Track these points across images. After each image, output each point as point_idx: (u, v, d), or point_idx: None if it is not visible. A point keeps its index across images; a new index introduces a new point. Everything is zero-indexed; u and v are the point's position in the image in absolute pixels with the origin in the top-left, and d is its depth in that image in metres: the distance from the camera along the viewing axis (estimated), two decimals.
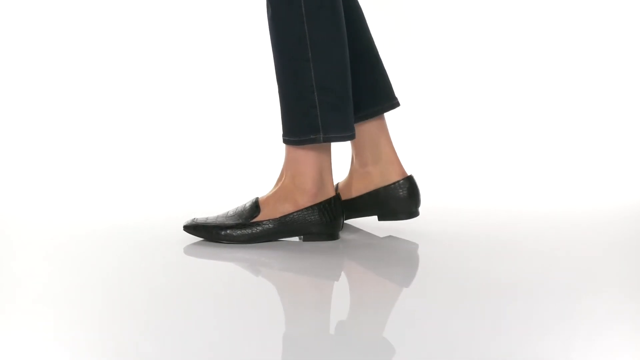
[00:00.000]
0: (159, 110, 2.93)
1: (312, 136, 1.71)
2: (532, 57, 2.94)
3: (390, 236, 1.81)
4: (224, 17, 3.00)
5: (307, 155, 1.73)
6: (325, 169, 1.74)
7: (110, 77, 2.97)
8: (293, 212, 1.73)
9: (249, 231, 1.73)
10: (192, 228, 1.76)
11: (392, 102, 1.86)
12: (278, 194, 1.75)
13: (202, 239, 1.76)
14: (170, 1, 3.04)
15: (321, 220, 1.73)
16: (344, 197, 1.86)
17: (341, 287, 1.53)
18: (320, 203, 1.73)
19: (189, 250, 1.72)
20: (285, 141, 1.74)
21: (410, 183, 1.82)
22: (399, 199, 1.82)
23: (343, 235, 1.79)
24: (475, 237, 1.83)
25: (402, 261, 1.70)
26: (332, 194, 1.74)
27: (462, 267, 1.60)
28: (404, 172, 1.83)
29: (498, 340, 1.19)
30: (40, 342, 1.21)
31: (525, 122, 2.83)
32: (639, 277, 1.57)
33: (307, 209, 1.73)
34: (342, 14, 1.73)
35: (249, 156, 2.69)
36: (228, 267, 1.65)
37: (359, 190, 1.85)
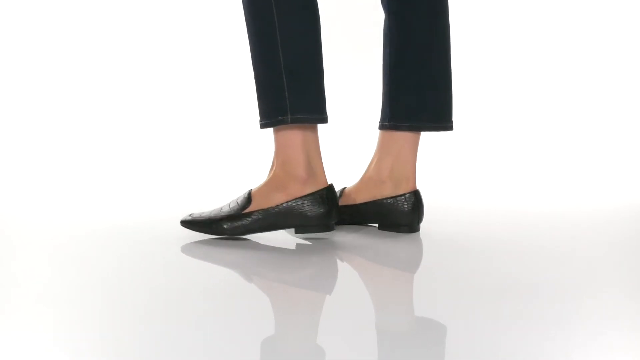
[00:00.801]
0: (159, 112, 2.93)
1: (280, 117, 1.71)
2: (533, 57, 2.95)
3: (389, 236, 1.81)
4: (218, 15, 3.00)
5: (293, 141, 1.72)
6: (313, 154, 1.73)
7: (110, 78, 2.97)
8: (285, 202, 1.73)
9: (241, 222, 1.74)
10: (188, 223, 1.77)
11: (447, 124, 1.85)
12: (270, 183, 1.75)
13: (200, 235, 1.77)
14: (165, 3, 3.03)
15: (315, 211, 1.72)
16: (349, 202, 1.86)
17: (340, 287, 1.53)
18: (314, 193, 1.72)
19: (188, 250, 1.71)
20: (260, 125, 1.75)
21: (415, 197, 1.81)
22: (403, 212, 1.82)
23: (341, 235, 1.79)
24: (475, 237, 1.83)
25: (401, 261, 1.69)
26: (324, 184, 1.73)
27: (462, 267, 1.60)
28: (413, 186, 1.82)
29: (498, 340, 1.19)
30: (40, 342, 1.21)
31: (526, 123, 2.83)
32: (639, 277, 1.57)
33: (300, 198, 1.72)
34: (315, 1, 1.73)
35: (249, 157, 2.69)
36: (228, 267, 1.65)
37: (365, 197, 1.85)
